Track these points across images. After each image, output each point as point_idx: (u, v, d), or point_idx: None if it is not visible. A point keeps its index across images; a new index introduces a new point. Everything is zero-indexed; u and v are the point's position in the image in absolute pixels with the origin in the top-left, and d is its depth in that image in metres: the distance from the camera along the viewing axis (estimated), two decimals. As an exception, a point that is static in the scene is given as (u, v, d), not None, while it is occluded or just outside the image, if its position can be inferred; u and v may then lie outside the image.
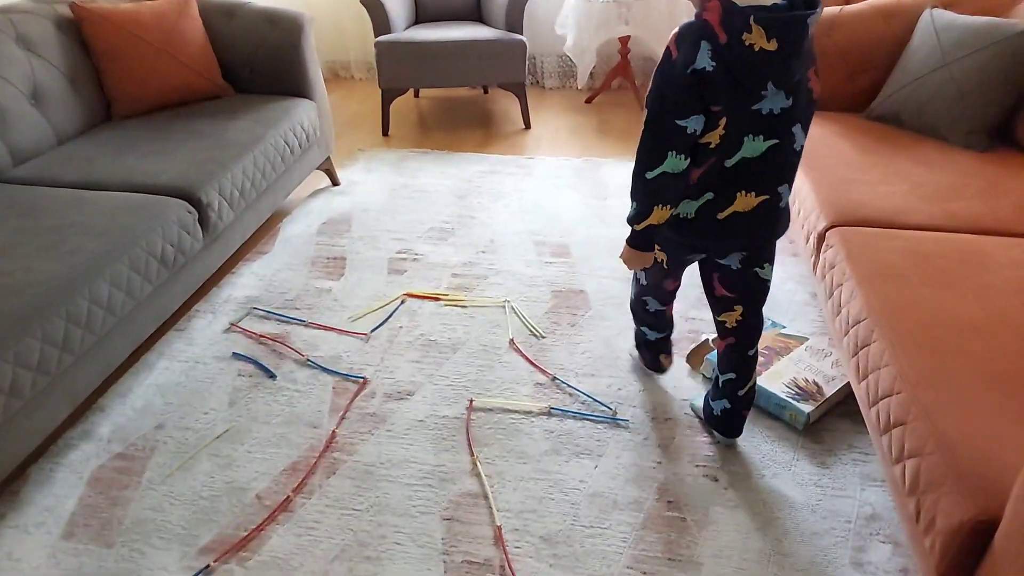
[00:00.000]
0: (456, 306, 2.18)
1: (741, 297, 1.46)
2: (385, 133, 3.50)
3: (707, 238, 1.35)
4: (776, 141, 1.23)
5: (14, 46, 2.19)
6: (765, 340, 1.87)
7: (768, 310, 2.10)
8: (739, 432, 1.61)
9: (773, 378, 1.73)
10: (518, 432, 1.70)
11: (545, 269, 2.35)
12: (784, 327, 1.94)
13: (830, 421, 1.70)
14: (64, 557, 1.43)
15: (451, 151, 3.28)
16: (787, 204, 1.34)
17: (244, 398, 1.82)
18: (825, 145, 2.12)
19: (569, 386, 1.84)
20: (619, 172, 3.02)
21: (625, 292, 2.22)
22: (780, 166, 1.27)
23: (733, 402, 1.55)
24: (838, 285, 1.59)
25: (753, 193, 1.28)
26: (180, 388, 1.86)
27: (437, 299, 2.21)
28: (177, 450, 1.67)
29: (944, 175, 1.90)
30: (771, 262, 1.43)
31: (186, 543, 1.45)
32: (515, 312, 2.14)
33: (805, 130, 1.27)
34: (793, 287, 2.22)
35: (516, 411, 1.77)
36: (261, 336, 2.05)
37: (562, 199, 2.81)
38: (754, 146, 1.23)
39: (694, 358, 1.91)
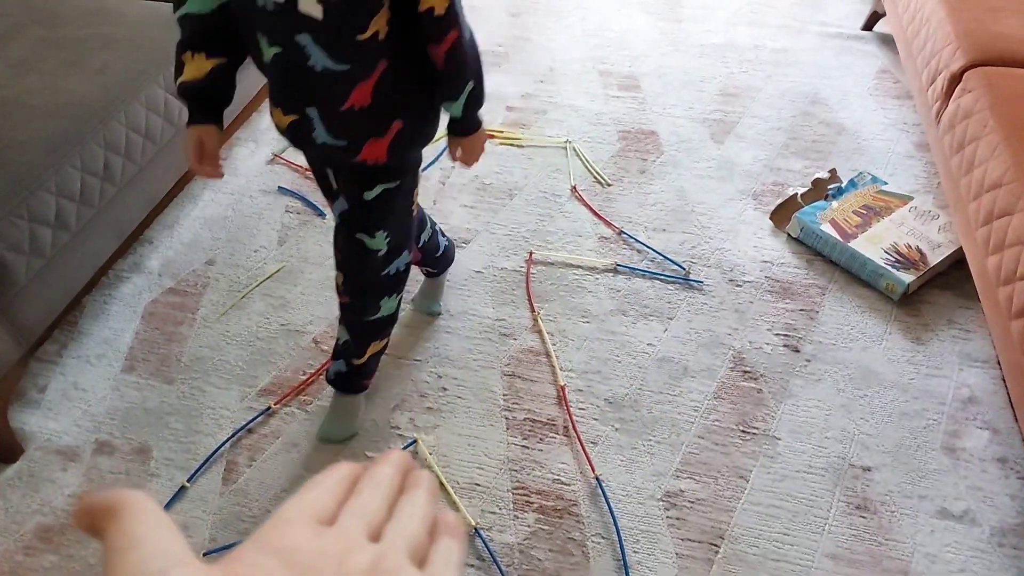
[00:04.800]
0: (512, 145, 1.99)
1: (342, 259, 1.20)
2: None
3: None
4: (279, 50, 0.92)
5: None
6: (864, 198, 1.67)
7: (867, 162, 1.88)
8: (358, 390, 1.32)
9: (871, 241, 1.56)
10: (581, 289, 1.60)
11: (611, 104, 2.12)
12: (885, 183, 1.73)
13: (929, 292, 1.55)
14: (127, 390, 1.44)
15: (507, -42, 2.88)
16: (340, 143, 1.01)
17: (294, 236, 1.74)
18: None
19: (637, 241, 1.70)
20: (700, -10, 2.63)
21: (700, 134, 1.99)
22: (301, 82, 0.95)
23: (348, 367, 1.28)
24: (973, 139, 1.35)
25: (280, 110, 1.00)
26: (227, 222, 1.78)
27: (492, 136, 2.02)
28: (229, 288, 1.62)
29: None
30: (369, 231, 1.12)
31: (246, 383, 1.44)
32: (578, 154, 1.95)
33: (328, 45, 0.90)
34: (895, 135, 1.96)
35: (579, 266, 1.65)
36: (307, 169, 1.92)
37: (631, 21, 2.48)
38: (267, 51, 0.94)
39: (778, 215, 1.73)
